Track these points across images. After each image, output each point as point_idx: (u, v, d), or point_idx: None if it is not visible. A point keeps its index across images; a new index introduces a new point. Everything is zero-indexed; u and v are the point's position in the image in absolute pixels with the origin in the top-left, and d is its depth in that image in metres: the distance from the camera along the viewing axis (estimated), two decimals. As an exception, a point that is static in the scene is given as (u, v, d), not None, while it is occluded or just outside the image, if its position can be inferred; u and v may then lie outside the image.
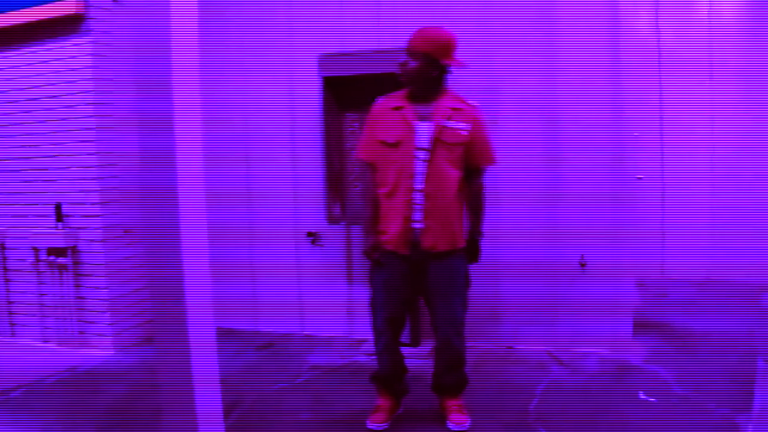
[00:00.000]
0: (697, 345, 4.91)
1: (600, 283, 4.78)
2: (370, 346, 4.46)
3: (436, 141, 3.49)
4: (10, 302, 5.70)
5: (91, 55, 5.09)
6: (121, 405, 4.19)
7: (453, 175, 3.55)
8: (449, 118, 3.52)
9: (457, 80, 4.77)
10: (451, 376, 3.82)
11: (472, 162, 3.62)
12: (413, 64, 3.50)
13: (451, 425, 3.73)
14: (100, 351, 5.24)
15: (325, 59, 4.77)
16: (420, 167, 3.51)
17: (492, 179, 4.78)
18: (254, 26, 5.49)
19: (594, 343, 4.81)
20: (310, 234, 5.42)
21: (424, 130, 3.51)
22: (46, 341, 5.52)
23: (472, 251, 3.77)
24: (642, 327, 5.13)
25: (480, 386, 4.29)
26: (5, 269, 5.69)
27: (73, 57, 5.14)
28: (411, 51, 3.51)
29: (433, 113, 3.53)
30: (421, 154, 3.51)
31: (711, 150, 6.70)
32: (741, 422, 3.55)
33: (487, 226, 4.65)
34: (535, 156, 4.89)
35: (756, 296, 5.95)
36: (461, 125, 3.53)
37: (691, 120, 6.69)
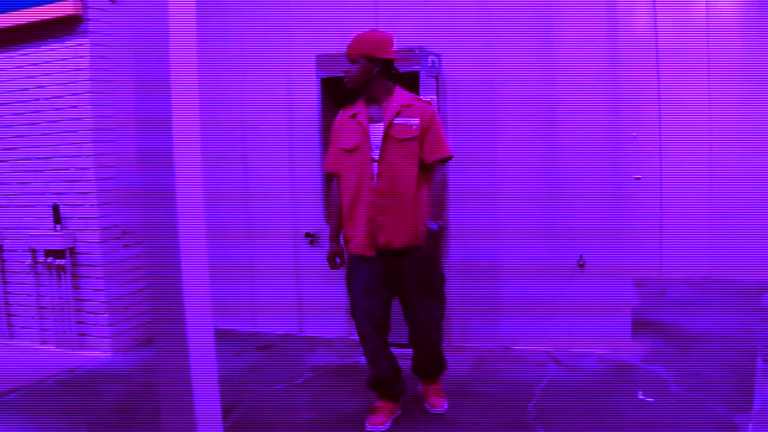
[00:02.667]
0: (695, 344, 4.91)
1: (598, 282, 4.79)
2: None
3: (386, 137, 3.57)
4: (8, 304, 5.70)
5: (89, 55, 5.09)
6: (120, 407, 4.19)
7: (408, 170, 3.60)
8: (398, 115, 3.60)
9: (456, 80, 4.80)
10: (429, 364, 3.97)
11: (426, 156, 3.63)
12: (354, 67, 3.62)
13: (429, 408, 3.94)
14: (98, 352, 5.24)
15: (323, 60, 4.77)
16: (376, 168, 3.61)
17: (491, 179, 4.80)
18: (252, 27, 5.50)
19: (592, 343, 4.81)
20: (308, 235, 5.42)
21: (377, 131, 3.61)
22: (44, 343, 5.52)
23: (430, 242, 3.61)
24: (640, 327, 5.13)
25: (479, 386, 4.31)
26: (3, 271, 5.69)
27: (71, 58, 5.15)
28: (350, 56, 3.64)
29: (384, 113, 3.63)
30: (377, 155, 3.60)
31: (709, 149, 6.71)
32: (740, 422, 3.54)
33: (486, 226, 4.68)
34: (533, 156, 4.90)
35: (755, 296, 5.96)
36: (412, 120, 3.59)
37: (689, 119, 6.70)
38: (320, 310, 5.47)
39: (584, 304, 4.80)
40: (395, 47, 3.67)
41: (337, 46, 4.89)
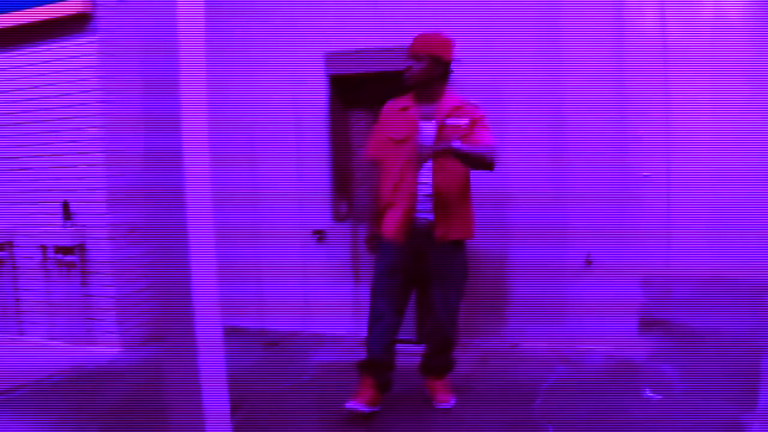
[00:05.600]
0: (701, 343, 4.91)
1: (605, 281, 4.79)
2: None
3: (439, 137, 3.67)
4: (18, 300, 5.73)
5: (98, 54, 5.11)
6: (128, 403, 4.21)
7: (458, 169, 3.71)
8: (450, 116, 3.71)
9: (462, 80, 4.79)
10: (439, 358, 4.05)
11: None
12: (418, 66, 3.70)
13: (437, 404, 4.00)
14: (106, 349, 5.26)
15: (331, 57, 4.78)
16: (432, 166, 3.71)
17: (499, 179, 4.79)
18: (260, 24, 5.51)
19: (599, 342, 4.81)
20: (316, 232, 5.43)
21: (428, 128, 3.72)
22: (53, 339, 5.55)
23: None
24: (647, 325, 5.13)
25: (485, 384, 4.32)
26: (13, 267, 5.72)
27: (80, 56, 5.17)
28: (415, 54, 3.71)
29: (436, 112, 3.74)
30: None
31: (716, 149, 6.68)
32: (745, 421, 3.55)
33: (494, 226, 4.69)
34: (540, 155, 4.91)
35: (761, 294, 5.94)
36: (461, 121, 3.70)
37: (697, 119, 6.67)
38: (327, 308, 5.49)
39: (591, 302, 4.81)
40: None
41: (345, 43, 4.93)
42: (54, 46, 5.26)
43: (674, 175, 6.83)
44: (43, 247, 5.43)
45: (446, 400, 4.00)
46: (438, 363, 4.06)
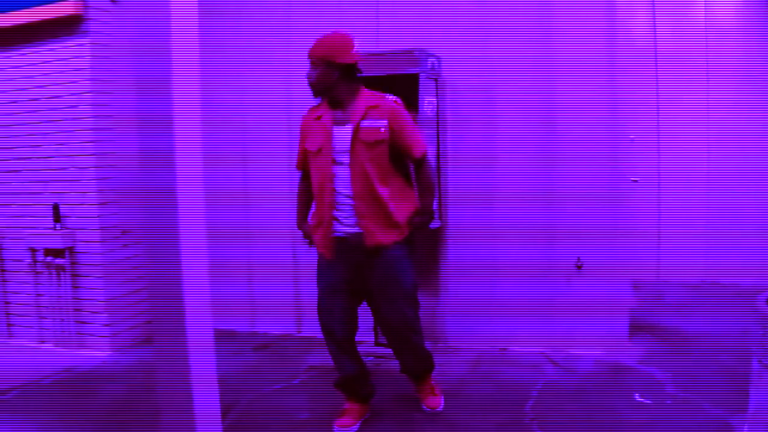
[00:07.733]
0: (691, 346, 4.93)
1: (596, 283, 4.80)
2: (365, 348, 4.49)
3: (355, 142, 3.55)
4: (7, 303, 5.70)
5: (90, 55, 5.10)
6: (118, 406, 4.20)
7: (378, 171, 3.57)
8: (365, 117, 3.56)
9: (455, 82, 4.81)
10: (415, 365, 3.96)
11: (404, 155, 3.65)
12: (314, 72, 3.57)
13: (425, 407, 3.97)
14: (96, 352, 5.24)
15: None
16: (340, 170, 3.58)
17: (489, 179, 4.80)
18: (253, 27, 5.52)
19: (589, 344, 4.82)
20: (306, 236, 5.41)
21: (342, 134, 3.58)
22: (42, 342, 5.53)
23: (421, 223, 3.74)
24: (637, 328, 5.14)
25: (475, 387, 4.32)
26: (2, 270, 5.69)
27: (72, 58, 5.16)
28: (310, 60, 3.58)
29: (350, 116, 3.59)
30: (343, 158, 3.57)
31: (707, 150, 6.71)
32: (735, 423, 3.57)
33: (482, 226, 4.67)
34: (531, 155, 4.90)
35: (751, 298, 5.95)
36: (379, 122, 3.55)
37: (688, 120, 6.70)
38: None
39: (581, 305, 4.82)
40: (356, 49, 3.60)
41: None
42: (46, 47, 5.25)
43: (665, 176, 6.85)
44: (33, 250, 5.40)
45: (435, 404, 3.98)
46: (412, 365, 3.95)
